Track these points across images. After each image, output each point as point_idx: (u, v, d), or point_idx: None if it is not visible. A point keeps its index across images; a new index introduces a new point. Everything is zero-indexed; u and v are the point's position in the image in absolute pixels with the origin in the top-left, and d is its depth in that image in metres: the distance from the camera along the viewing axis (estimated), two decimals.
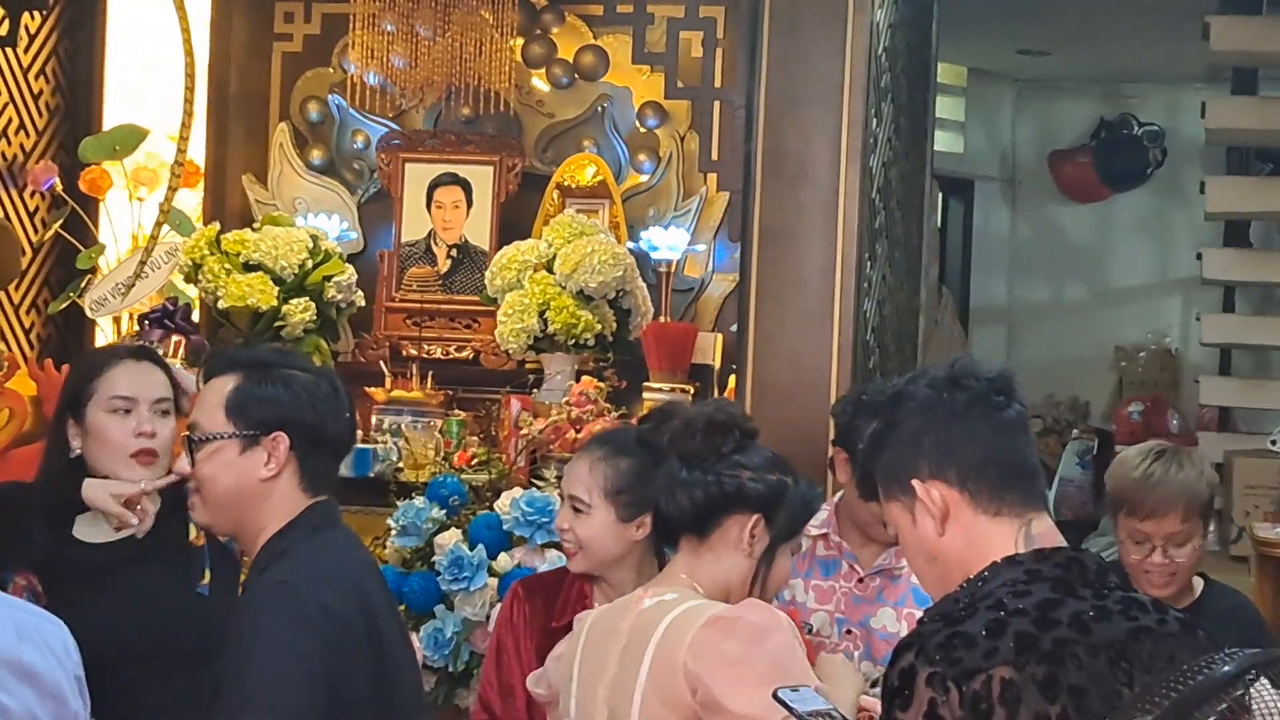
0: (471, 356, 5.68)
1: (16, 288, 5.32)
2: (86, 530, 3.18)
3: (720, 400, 2.89)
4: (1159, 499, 3.20)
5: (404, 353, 5.63)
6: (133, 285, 4.78)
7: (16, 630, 2.10)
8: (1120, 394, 8.66)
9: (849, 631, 3.41)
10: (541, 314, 5.16)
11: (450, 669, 4.30)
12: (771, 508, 2.72)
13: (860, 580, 3.43)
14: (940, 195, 8.13)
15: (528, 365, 5.47)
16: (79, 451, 3.14)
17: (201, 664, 3.12)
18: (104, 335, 5.61)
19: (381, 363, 5.43)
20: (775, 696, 2.40)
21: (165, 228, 4.98)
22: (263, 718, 2.44)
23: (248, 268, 5.26)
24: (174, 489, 3.12)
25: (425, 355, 5.59)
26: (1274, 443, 6.31)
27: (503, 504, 4.43)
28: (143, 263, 4.77)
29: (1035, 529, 2.15)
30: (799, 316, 4.37)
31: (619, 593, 3.13)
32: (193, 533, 3.14)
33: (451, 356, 5.68)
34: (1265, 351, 7.80)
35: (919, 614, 3.36)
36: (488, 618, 4.28)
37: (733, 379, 5.20)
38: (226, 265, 5.23)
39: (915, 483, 2.17)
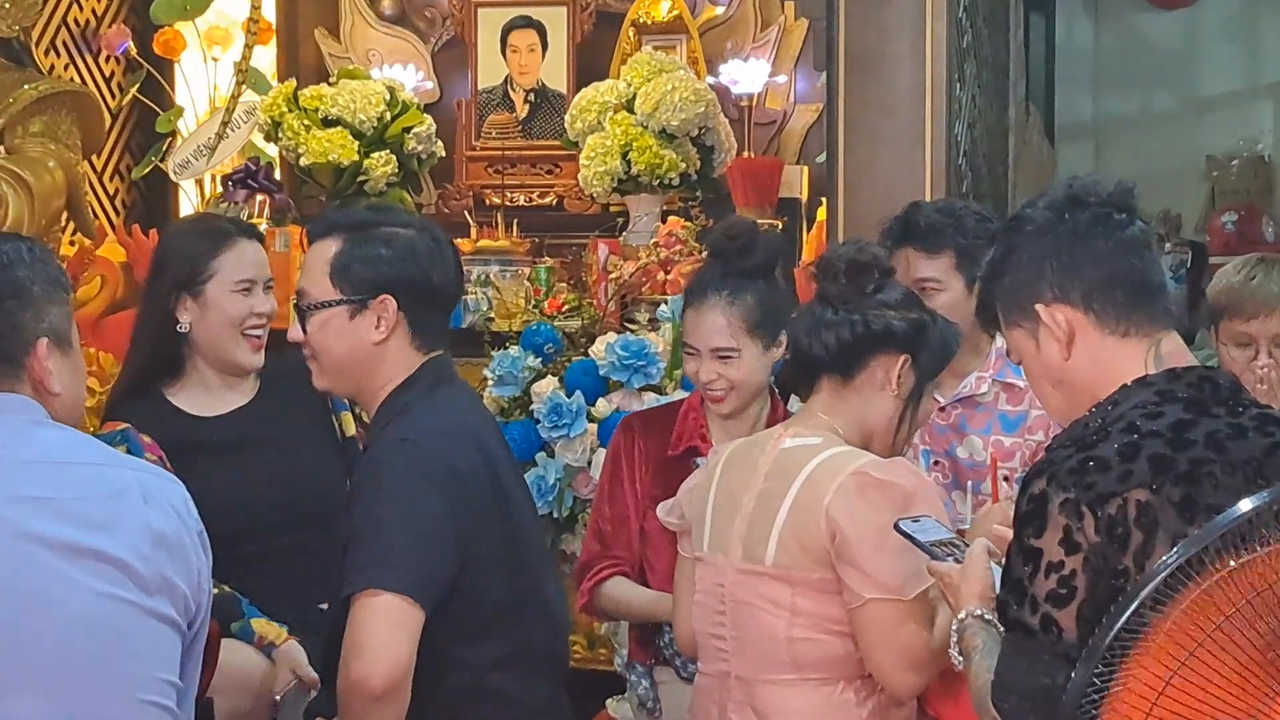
0: (555, 202, 5.64)
1: (98, 155, 5.30)
2: (193, 400, 3.19)
3: (858, 240, 2.81)
4: (1262, 299, 3.20)
5: (487, 201, 5.59)
6: (215, 146, 4.74)
7: (143, 494, 2.10)
8: (1212, 205, 8.45)
9: (936, 463, 3.38)
10: (624, 155, 5.09)
11: (555, 515, 4.31)
12: (917, 347, 2.66)
13: (942, 409, 3.38)
14: (1022, 9, 7.92)
15: (612, 208, 5.42)
16: (188, 328, 3.15)
17: (328, 531, 3.17)
18: (188, 198, 5.61)
19: (466, 213, 5.39)
20: (896, 528, 2.38)
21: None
22: (395, 575, 2.43)
23: (327, 123, 5.22)
24: (283, 357, 3.14)
25: (509, 203, 5.55)
26: None
27: (598, 349, 4.41)
28: (224, 123, 4.75)
29: (1164, 348, 2.09)
30: (889, 144, 4.25)
31: (748, 423, 3.18)
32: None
33: (535, 203, 5.64)
34: None
35: (1006, 441, 3.37)
36: (589, 463, 4.29)
37: (821, 211, 5.12)
38: (305, 122, 5.20)
39: (1039, 307, 2.11)
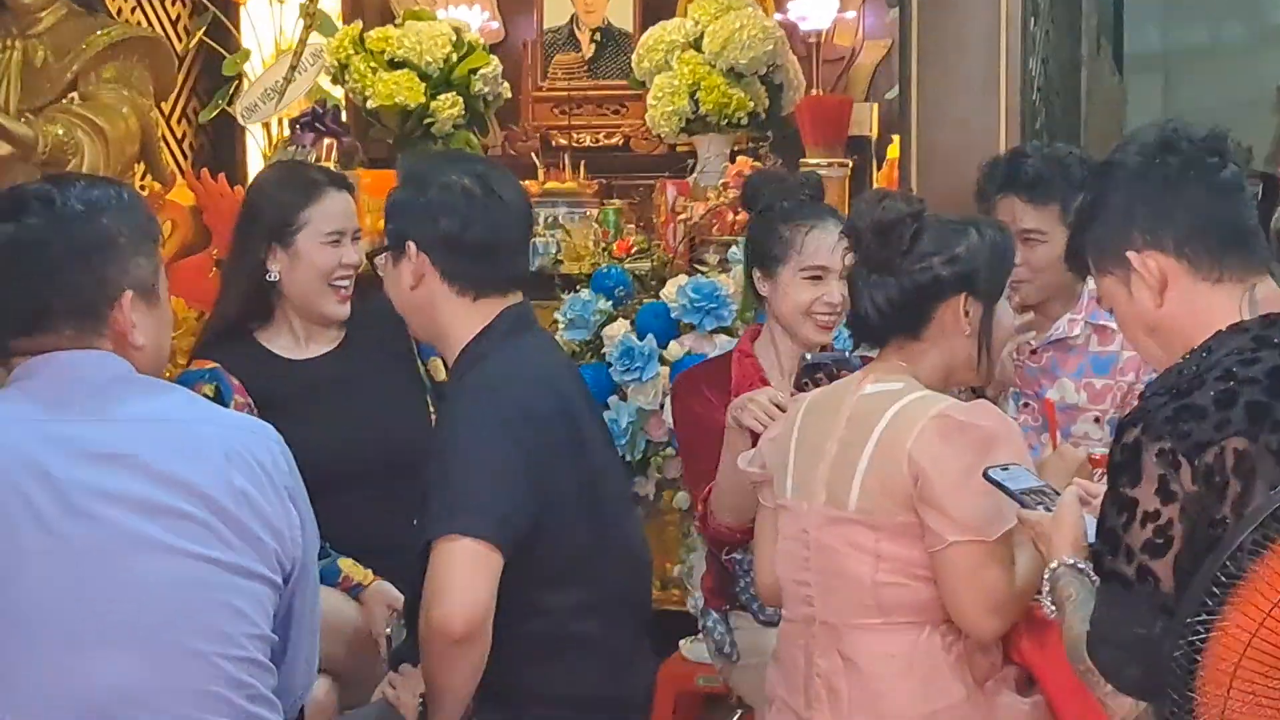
0: (622, 143, 5.60)
1: (165, 99, 5.30)
2: (283, 346, 3.22)
3: (873, 194, 2.75)
4: None
5: (553, 143, 5.56)
6: (283, 90, 4.74)
7: (225, 451, 2.10)
8: None
9: (1025, 405, 3.35)
10: (692, 95, 5.05)
11: (628, 458, 4.31)
12: (972, 281, 2.62)
13: (1034, 352, 3.35)
14: None
15: (679, 149, 5.39)
16: (277, 277, 3.16)
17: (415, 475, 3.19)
18: (255, 141, 5.61)
19: (533, 154, 5.37)
20: (986, 476, 2.37)
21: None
22: (473, 520, 2.45)
23: (393, 65, 5.20)
24: (370, 302, 3.16)
25: (575, 144, 5.52)
26: None
27: (669, 291, 4.39)
28: (293, 66, 4.74)
29: (1259, 293, 2.07)
30: (964, 80, 4.19)
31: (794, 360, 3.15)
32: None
33: (602, 144, 5.61)
34: None
35: (1098, 383, 3.35)
36: (661, 406, 4.28)
37: (892, 149, 5.07)
38: (372, 64, 5.18)
39: (1130, 254, 2.09)
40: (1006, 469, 2.35)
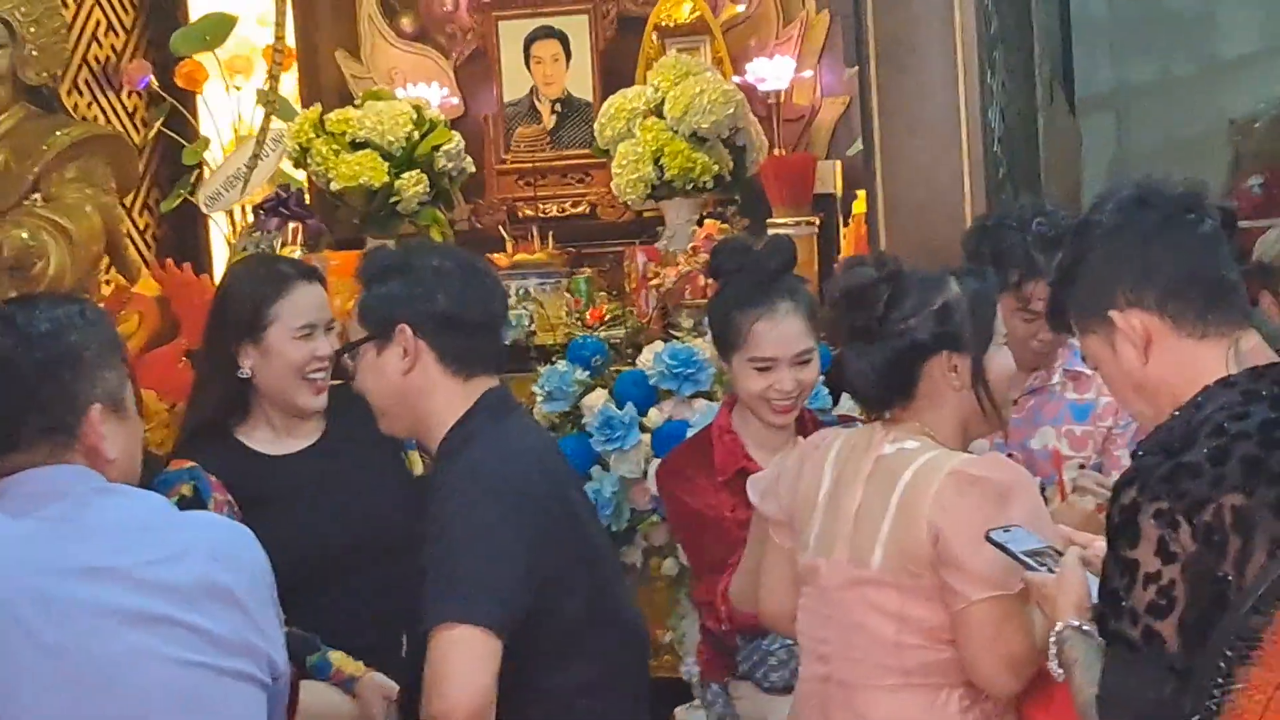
0: (588, 211, 5.62)
1: (127, 194, 5.29)
2: (262, 441, 3.19)
3: (848, 261, 2.73)
4: None
5: (520, 214, 5.57)
6: (246, 177, 4.73)
7: (210, 552, 2.08)
8: (1237, 169, 8.40)
9: (1010, 455, 3.35)
10: (656, 161, 5.06)
11: (613, 528, 4.29)
12: (955, 336, 2.60)
13: (1014, 402, 3.35)
14: None
15: (647, 214, 5.40)
16: (250, 373, 3.15)
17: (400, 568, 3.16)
18: (218, 228, 5.61)
19: (500, 227, 5.37)
20: (988, 538, 2.35)
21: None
22: (471, 607, 2.42)
23: (355, 146, 5.19)
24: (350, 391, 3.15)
25: (542, 214, 5.54)
26: None
27: (645, 359, 4.39)
28: (255, 155, 4.73)
29: (1244, 345, 2.07)
30: (926, 133, 4.22)
31: (782, 432, 3.17)
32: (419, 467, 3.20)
33: (568, 213, 5.62)
34: None
35: (1078, 430, 3.35)
36: (644, 474, 4.27)
37: (858, 204, 5.09)
38: (334, 146, 5.17)
39: (1113, 313, 2.09)
40: (1009, 530, 2.34)
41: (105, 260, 4.80)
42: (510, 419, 2.69)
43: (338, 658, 3.03)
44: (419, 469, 3.21)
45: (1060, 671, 2.14)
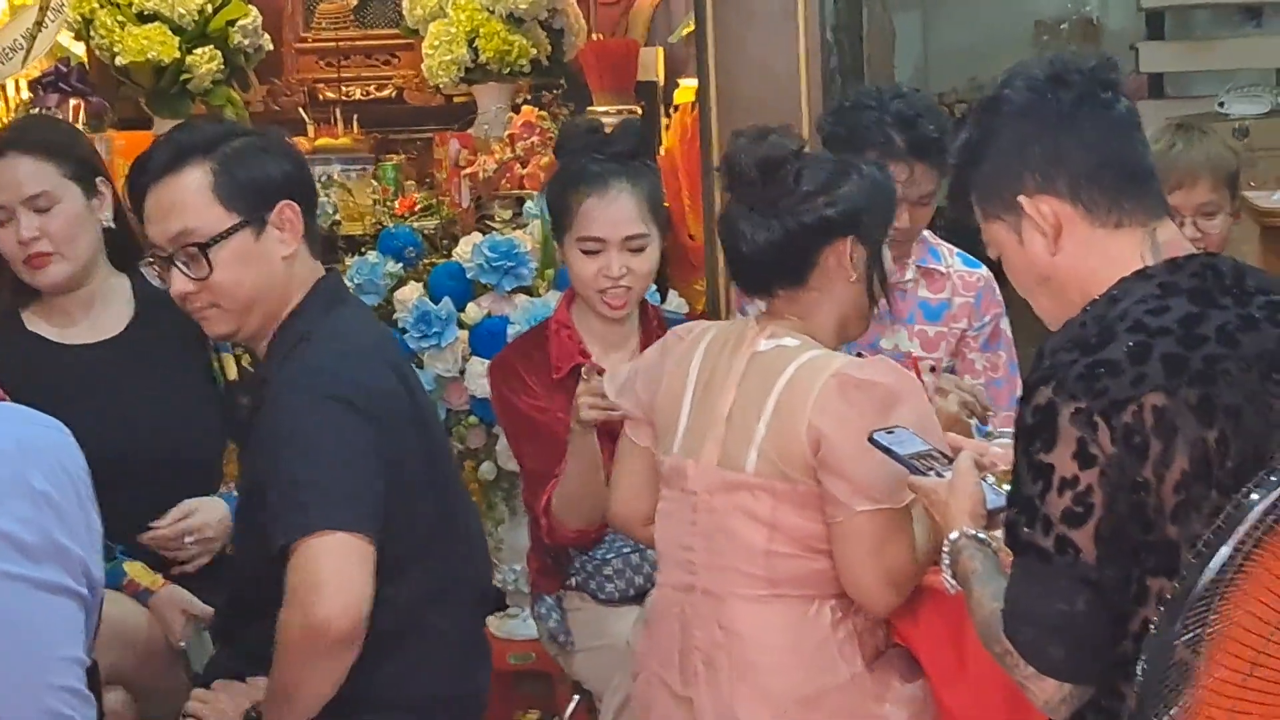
0: (395, 95, 5.32)
1: None
2: (50, 328, 2.90)
3: (753, 130, 2.54)
4: (1185, 168, 3.09)
5: (321, 96, 5.26)
6: (28, 49, 4.34)
7: (19, 449, 1.82)
8: None
9: (859, 354, 3.21)
10: (471, 42, 4.78)
11: None
12: (858, 222, 2.45)
13: None
14: None
15: (457, 100, 5.13)
16: None
17: (198, 472, 2.91)
18: None
19: (301, 109, 5.06)
20: (871, 440, 2.21)
21: None
22: (342, 513, 2.22)
23: (142, 18, 4.83)
24: (147, 295, 2.87)
25: (345, 98, 5.22)
26: (1222, 105, 6.15)
27: (462, 251, 4.15)
28: (38, 23, 4.34)
29: (1161, 236, 1.93)
30: (762, 19, 4.04)
31: (621, 327, 3.01)
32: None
33: (373, 96, 5.32)
34: (1188, 12, 7.60)
35: (930, 330, 3.23)
36: (461, 372, 4.05)
37: (679, 93, 4.91)
38: (119, 18, 4.80)
39: (1022, 199, 1.94)
40: (892, 432, 2.20)
41: None
42: (345, 309, 2.45)
43: (135, 568, 2.80)
44: (232, 373, 2.94)
45: (954, 583, 2.01)
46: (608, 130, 3.09)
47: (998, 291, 3.26)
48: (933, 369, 3.16)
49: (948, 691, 2.38)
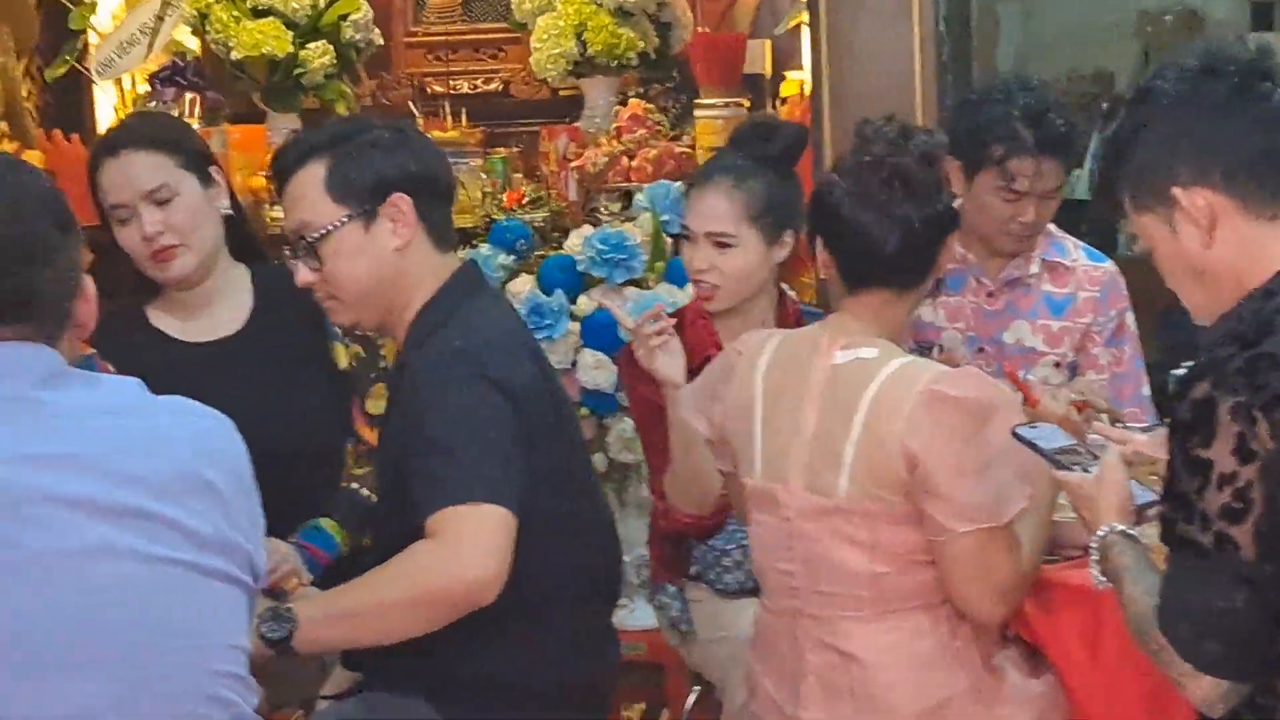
0: (501, 88, 5.34)
1: (26, 54, 4.90)
2: (172, 324, 2.91)
3: (883, 123, 2.48)
4: None
5: (429, 90, 5.28)
6: (150, 43, 4.39)
7: (191, 444, 1.83)
8: (1145, 62, 8.33)
9: (981, 350, 3.20)
10: (579, 35, 4.80)
11: None
12: (958, 216, 2.46)
13: (990, 294, 3.20)
14: None
15: (563, 93, 5.14)
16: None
17: (325, 464, 2.91)
18: (106, 99, 5.25)
19: (410, 104, 5.08)
20: (1014, 434, 2.19)
21: None
22: (489, 488, 2.23)
23: (257, 13, 4.86)
24: (267, 285, 2.89)
25: (452, 91, 5.25)
26: None
27: (573, 243, 4.17)
28: (160, 17, 4.39)
29: None
30: (875, 11, 4.02)
31: (753, 323, 2.96)
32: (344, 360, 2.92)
33: (480, 90, 5.33)
34: None
35: (1054, 325, 3.19)
36: (573, 364, 4.07)
37: (786, 86, 4.89)
38: (234, 13, 4.83)
39: (1175, 190, 1.91)
40: (1035, 427, 2.18)
41: (3, 126, 4.44)
42: (481, 299, 2.47)
43: (333, 526, 2.86)
44: (344, 362, 2.96)
45: (1102, 579, 1.99)
46: (769, 126, 3.13)
47: (1123, 286, 3.23)
48: (1057, 364, 3.14)
49: (1081, 689, 2.36)
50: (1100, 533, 2.00)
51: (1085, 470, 2.08)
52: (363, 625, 2.28)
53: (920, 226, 2.38)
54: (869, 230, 2.38)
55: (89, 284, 1.87)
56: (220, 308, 2.93)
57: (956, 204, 3.20)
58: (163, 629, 1.76)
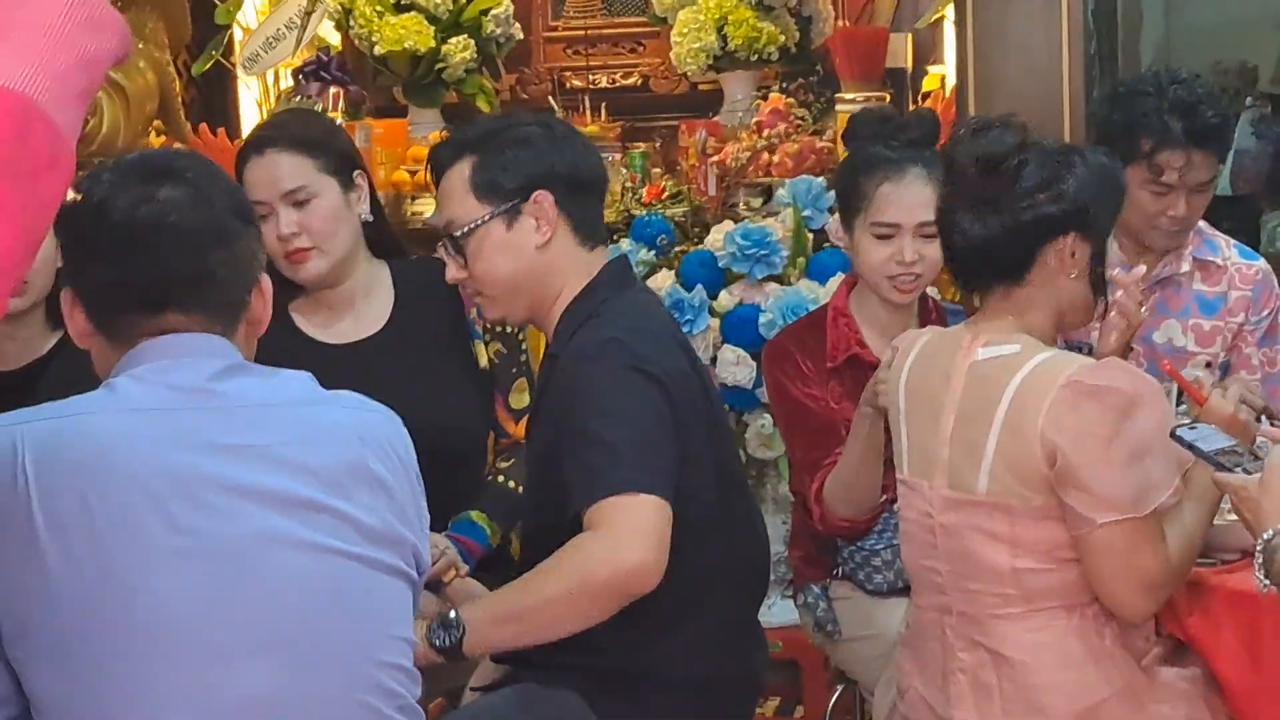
0: (640, 83, 5.35)
1: (180, 50, 4.99)
2: (316, 327, 2.94)
3: (972, 123, 2.45)
4: None
5: (568, 84, 5.31)
6: (298, 38, 4.46)
7: (359, 434, 1.86)
8: None
9: (1131, 349, 3.14)
10: (719, 29, 4.80)
11: None
12: (1083, 218, 2.37)
13: (1141, 293, 3.14)
14: None
15: (702, 88, 5.14)
16: None
17: (470, 460, 2.93)
18: (249, 94, 5.34)
19: (550, 98, 5.11)
20: (1173, 435, 2.16)
21: None
22: (648, 478, 2.24)
23: (399, 9, 4.95)
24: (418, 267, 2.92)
25: (591, 85, 5.27)
26: None
27: (714, 239, 4.17)
28: (308, 13, 4.46)
29: None
30: (1024, 3, 3.97)
31: (900, 317, 2.97)
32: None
33: (618, 84, 5.35)
34: None
35: (1205, 324, 3.13)
36: (713, 360, 4.07)
37: (928, 80, 4.86)
38: (378, 8, 4.91)
39: None
40: (1194, 428, 2.14)
41: (157, 123, 4.52)
42: (632, 293, 2.48)
43: (482, 518, 2.90)
44: (484, 360, 2.98)
45: (1266, 582, 1.95)
46: (903, 114, 3.09)
47: (1276, 284, 3.16)
48: (1208, 365, 3.08)
49: (1242, 689, 2.31)
50: (1266, 535, 1.95)
51: (1246, 471, 2.04)
52: (529, 623, 2.29)
53: (990, 225, 2.36)
54: (949, 230, 2.42)
55: (265, 280, 1.91)
56: (361, 309, 2.95)
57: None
58: (331, 620, 1.79)
